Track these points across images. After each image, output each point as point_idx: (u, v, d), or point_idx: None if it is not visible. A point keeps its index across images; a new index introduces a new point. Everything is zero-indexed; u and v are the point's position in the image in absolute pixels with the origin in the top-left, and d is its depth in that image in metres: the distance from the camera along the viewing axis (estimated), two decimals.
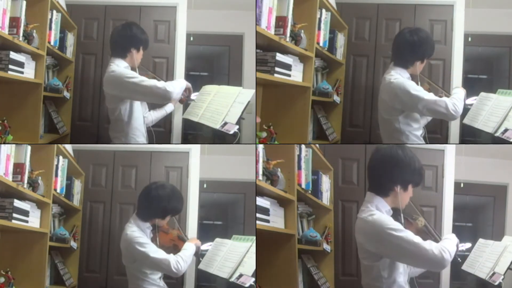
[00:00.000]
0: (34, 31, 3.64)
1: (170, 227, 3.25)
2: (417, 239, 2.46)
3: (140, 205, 3.14)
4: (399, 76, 3.17)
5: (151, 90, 3.23)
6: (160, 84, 3.25)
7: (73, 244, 4.27)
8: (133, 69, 3.33)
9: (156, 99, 3.40)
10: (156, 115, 3.61)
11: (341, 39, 4.40)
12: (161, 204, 3.08)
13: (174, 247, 3.16)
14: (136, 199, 3.14)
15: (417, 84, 3.18)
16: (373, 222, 2.50)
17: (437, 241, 2.62)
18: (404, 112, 3.20)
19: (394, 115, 3.21)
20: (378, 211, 2.54)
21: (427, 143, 3.39)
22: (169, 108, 3.68)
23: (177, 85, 3.34)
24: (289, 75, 3.54)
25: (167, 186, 3.17)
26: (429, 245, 2.46)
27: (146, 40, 3.42)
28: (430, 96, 3.14)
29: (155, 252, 3.00)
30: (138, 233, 3.03)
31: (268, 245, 3.31)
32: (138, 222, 3.08)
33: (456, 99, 3.17)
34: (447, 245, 2.51)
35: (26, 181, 3.31)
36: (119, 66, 3.30)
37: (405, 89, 3.12)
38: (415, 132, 3.25)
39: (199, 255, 3.28)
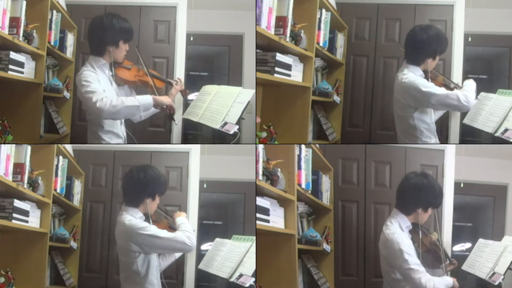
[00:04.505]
0: (34, 31, 3.64)
1: (157, 218, 3.26)
2: (415, 265, 2.99)
3: (127, 190, 3.11)
4: (411, 74, 3.30)
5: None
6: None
7: (73, 244, 4.27)
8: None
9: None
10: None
11: (341, 39, 4.40)
12: (149, 183, 3.07)
13: None
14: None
15: (428, 80, 3.29)
16: (391, 240, 3.06)
17: (439, 255, 3.25)
18: (418, 109, 3.33)
19: (409, 112, 3.35)
20: (399, 229, 3.09)
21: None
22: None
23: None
24: (289, 75, 3.54)
25: (150, 167, 3.22)
26: (423, 275, 2.98)
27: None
28: (441, 90, 3.27)
29: (162, 232, 2.99)
30: (137, 220, 3.01)
31: (268, 245, 3.31)
32: (130, 212, 3.06)
33: (467, 90, 3.31)
34: (437, 281, 3.01)
35: (26, 181, 3.31)
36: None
37: (416, 87, 3.26)
38: (429, 127, 3.38)
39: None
